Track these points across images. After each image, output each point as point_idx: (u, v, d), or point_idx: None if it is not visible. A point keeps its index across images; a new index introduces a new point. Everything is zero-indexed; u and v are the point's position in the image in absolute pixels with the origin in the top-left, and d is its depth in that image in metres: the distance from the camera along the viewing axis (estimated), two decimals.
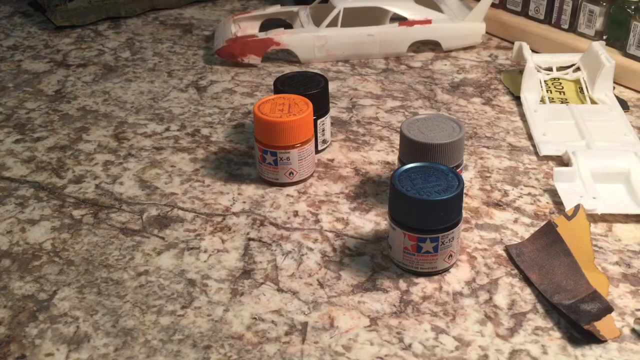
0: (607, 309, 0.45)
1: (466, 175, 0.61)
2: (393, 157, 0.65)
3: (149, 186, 0.61)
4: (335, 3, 0.83)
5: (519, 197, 0.59)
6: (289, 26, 0.86)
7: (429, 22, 0.83)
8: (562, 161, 0.63)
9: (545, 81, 0.75)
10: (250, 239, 0.54)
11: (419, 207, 0.47)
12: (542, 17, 0.85)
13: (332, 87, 0.77)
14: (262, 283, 0.50)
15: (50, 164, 0.65)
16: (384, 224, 0.56)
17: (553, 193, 0.59)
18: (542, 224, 0.53)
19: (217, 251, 0.53)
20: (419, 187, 0.48)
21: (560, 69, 0.77)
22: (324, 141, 0.66)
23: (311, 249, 0.53)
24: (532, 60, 0.75)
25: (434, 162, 0.50)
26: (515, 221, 0.56)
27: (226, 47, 0.81)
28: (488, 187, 0.60)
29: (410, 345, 0.44)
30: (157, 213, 0.58)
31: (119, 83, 0.80)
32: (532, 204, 0.58)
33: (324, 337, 0.45)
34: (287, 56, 0.84)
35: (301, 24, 0.84)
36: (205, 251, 0.53)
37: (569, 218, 0.53)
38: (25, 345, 0.45)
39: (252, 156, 0.65)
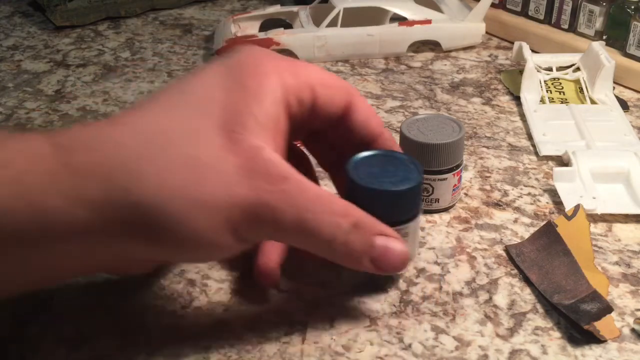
0: (607, 309, 0.45)
1: (466, 175, 0.61)
2: None
3: None
4: (335, 3, 0.83)
5: (519, 197, 0.59)
6: (289, 26, 0.86)
7: (428, 22, 0.83)
8: (562, 161, 0.63)
9: (545, 81, 0.75)
10: None
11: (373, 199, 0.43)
12: (542, 17, 0.85)
13: None
14: None
15: None
16: None
17: (553, 193, 0.59)
18: (542, 224, 0.53)
19: None
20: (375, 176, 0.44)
21: (560, 69, 0.77)
22: None
23: None
24: (532, 60, 0.75)
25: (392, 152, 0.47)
26: (515, 221, 0.56)
27: (226, 47, 0.81)
28: (488, 187, 0.60)
29: (410, 345, 0.44)
30: None
31: (118, 83, 0.80)
32: (532, 204, 0.58)
33: (324, 337, 0.45)
34: (287, 56, 0.84)
35: (301, 24, 0.84)
36: None
37: (568, 218, 0.53)
38: (24, 346, 0.45)
39: None
